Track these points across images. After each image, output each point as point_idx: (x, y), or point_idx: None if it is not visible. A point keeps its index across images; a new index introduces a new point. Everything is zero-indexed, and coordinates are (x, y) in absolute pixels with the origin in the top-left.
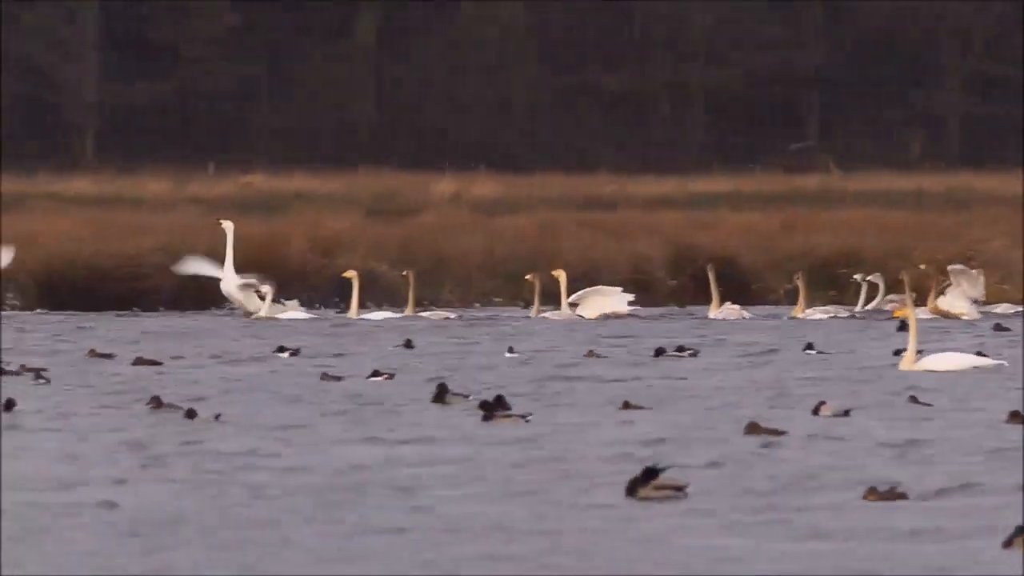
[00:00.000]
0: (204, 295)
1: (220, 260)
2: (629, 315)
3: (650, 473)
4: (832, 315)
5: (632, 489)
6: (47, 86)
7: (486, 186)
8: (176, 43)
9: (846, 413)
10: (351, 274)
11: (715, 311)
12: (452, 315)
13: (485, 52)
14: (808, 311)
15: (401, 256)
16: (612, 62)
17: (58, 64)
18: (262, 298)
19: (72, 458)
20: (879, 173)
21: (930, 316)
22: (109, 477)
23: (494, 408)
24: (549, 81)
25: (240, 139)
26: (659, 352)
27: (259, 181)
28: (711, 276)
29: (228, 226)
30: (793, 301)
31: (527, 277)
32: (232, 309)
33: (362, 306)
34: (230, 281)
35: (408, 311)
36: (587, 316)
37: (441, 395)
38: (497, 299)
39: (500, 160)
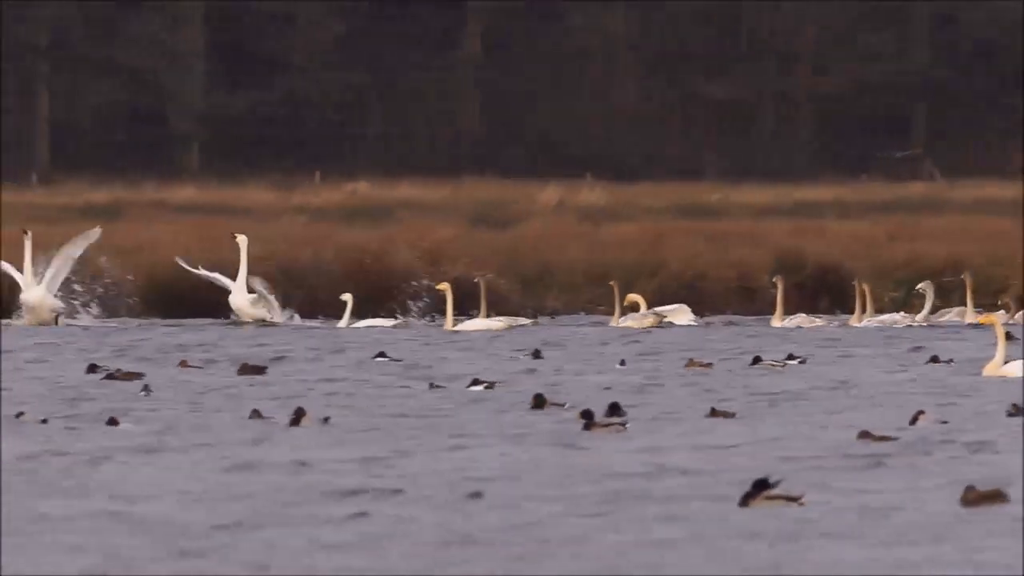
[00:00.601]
0: (309, 305)
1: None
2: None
3: (762, 484)
4: (891, 323)
5: (745, 500)
6: (153, 95)
7: (591, 194)
8: (281, 52)
9: (944, 422)
10: (444, 287)
11: (778, 321)
12: (526, 322)
13: (590, 61)
14: (867, 320)
15: (506, 265)
16: (718, 71)
17: (164, 73)
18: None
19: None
20: (983, 181)
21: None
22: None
23: (593, 416)
24: (654, 90)
25: (345, 148)
26: (756, 360)
27: (364, 190)
28: (779, 287)
29: (242, 240)
30: (901, 308)
31: (611, 283)
32: (236, 320)
33: (469, 315)
34: (240, 296)
35: (480, 317)
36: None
37: (540, 403)
38: (601, 307)
39: (605, 168)
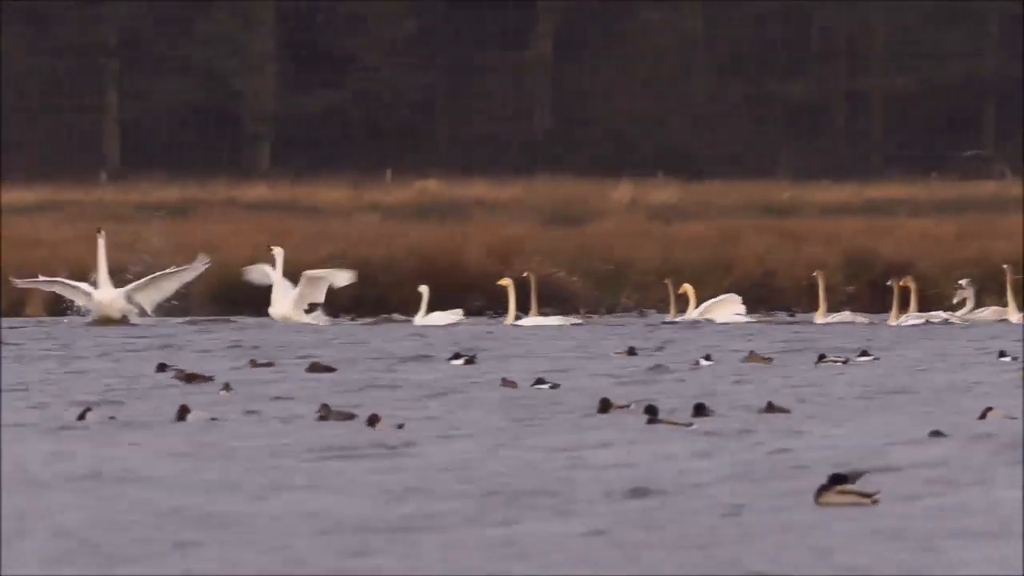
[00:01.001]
0: (381, 303)
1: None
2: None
3: (837, 479)
4: (926, 321)
5: (819, 494)
6: (224, 94)
7: (663, 192)
8: (353, 51)
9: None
10: (506, 282)
11: (820, 318)
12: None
13: (663, 60)
14: (903, 318)
15: (578, 262)
16: (791, 70)
17: (235, 73)
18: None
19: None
20: None
21: None
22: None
23: (657, 413)
24: (727, 88)
25: (417, 146)
26: (821, 358)
27: (436, 188)
28: (820, 283)
29: (278, 252)
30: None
31: (665, 280)
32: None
33: (540, 312)
34: (282, 307)
35: (533, 314)
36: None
37: (605, 406)
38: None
39: (677, 166)
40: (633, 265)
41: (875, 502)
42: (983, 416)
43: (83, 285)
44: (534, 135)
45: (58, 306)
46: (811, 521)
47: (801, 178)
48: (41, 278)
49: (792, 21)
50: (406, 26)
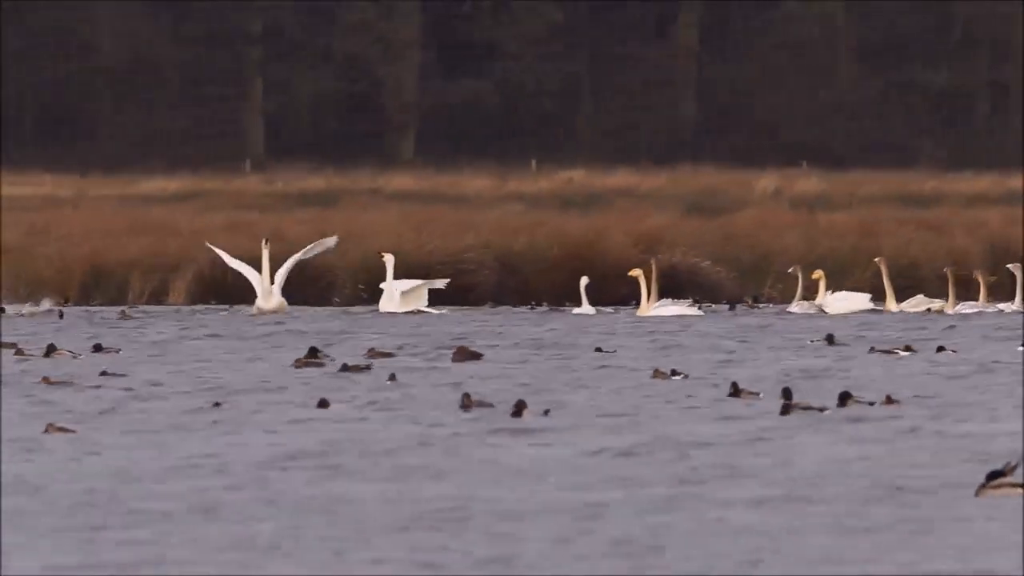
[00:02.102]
0: (523, 291)
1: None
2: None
3: (995, 474)
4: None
5: (979, 489)
6: (368, 84)
7: (807, 183)
8: (497, 40)
9: None
10: (636, 272)
11: (894, 306)
12: (698, 311)
13: (805, 50)
14: (959, 306)
15: (721, 252)
16: (933, 60)
17: (379, 62)
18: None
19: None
20: None
21: None
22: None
23: (791, 399)
24: (869, 78)
25: (560, 136)
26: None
27: (580, 178)
28: (883, 271)
29: (389, 259)
30: None
31: (790, 270)
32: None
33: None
34: (389, 304)
35: (647, 304)
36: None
37: (736, 391)
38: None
39: (821, 157)
40: (776, 255)
41: None
42: None
43: (257, 283)
44: (677, 125)
45: (196, 295)
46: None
47: (943, 168)
48: (227, 256)
49: (933, 11)
50: (550, 16)
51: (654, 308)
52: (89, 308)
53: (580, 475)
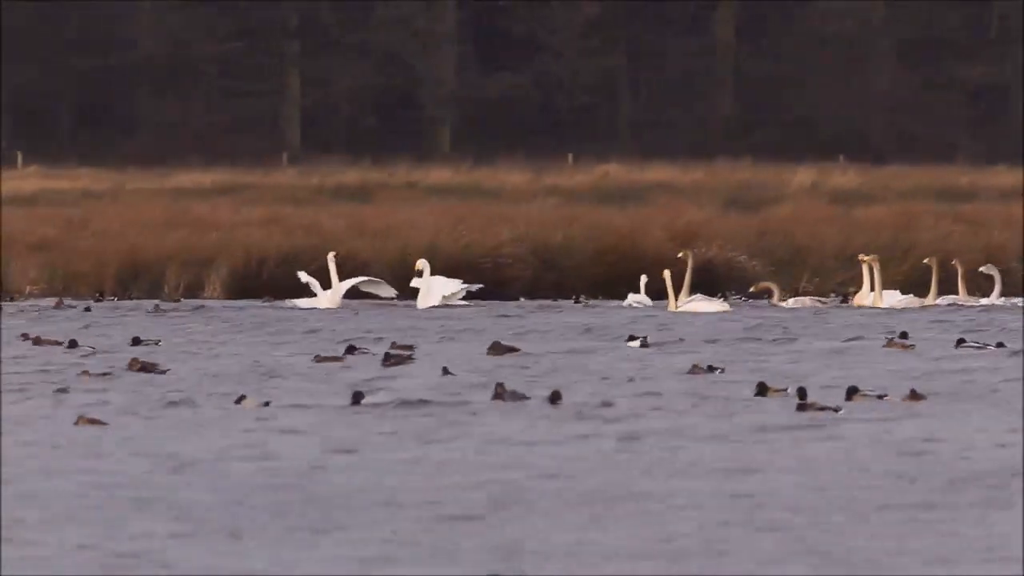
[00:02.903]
0: (560, 286)
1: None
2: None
3: None
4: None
5: None
6: (405, 77)
7: (844, 177)
8: (535, 34)
9: None
10: (666, 274)
11: (933, 299)
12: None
13: (843, 44)
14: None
15: (758, 247)
16: (970, 55)
17: (416, 55)
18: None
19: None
20: None
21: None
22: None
23: (807, 398)
24: (906, 73)
25: (597, 130)
26: (960, 342)
27: (616, 172)
28: (933, 267)
29: (423, 263)
30: None
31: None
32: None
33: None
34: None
35: (681, 299)
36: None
37: (763, 390)
38: (852, 289)
39: (858, 151)
40: (813, 250)
41: None
42: None
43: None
44: (715, 119)
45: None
46: None
47: (980, 162)
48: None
49: (970, 6)
50: (588, 10)
51: (684, 304)
52: (117, 303)
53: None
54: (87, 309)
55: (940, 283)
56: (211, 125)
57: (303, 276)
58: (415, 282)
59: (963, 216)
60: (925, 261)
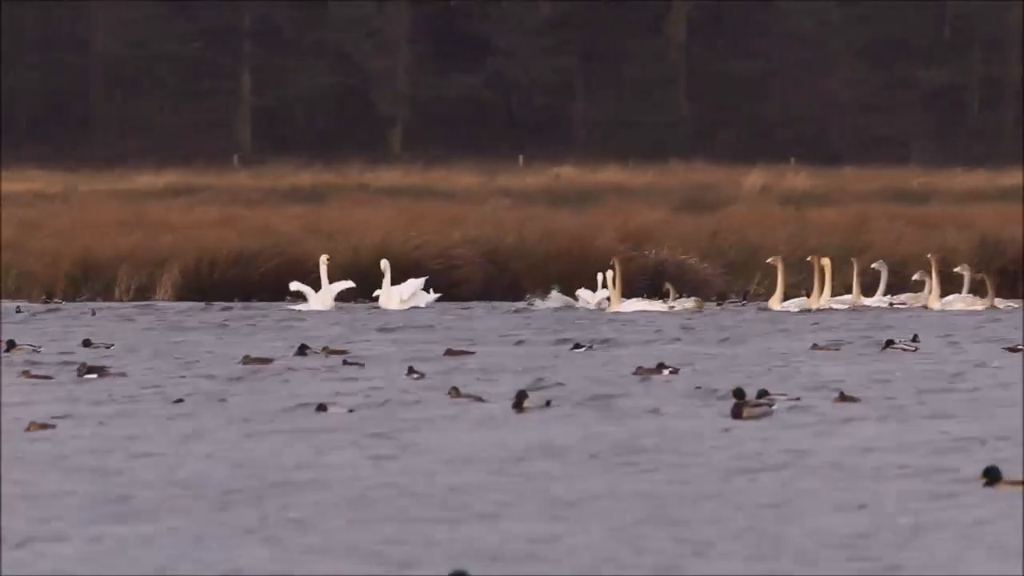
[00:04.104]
0: (512, 287)
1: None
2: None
3: (994, 471)
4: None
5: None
6: (358, 78)
7: (796, 179)
8: (489, 35)
9: None
10: (611, 271)
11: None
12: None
13: (799, 46)
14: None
15: (709, 249)
16: (927, 57)
17: (370, 56)
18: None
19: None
20: None
21: None
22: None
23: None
24: (863, 75)
25: (551, 132)
26: (888, 343)
27: (568, 173)
28: (884, 271)
29: (385, 266)
30: None
31: (769, 260)
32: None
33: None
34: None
35: (614, 298)
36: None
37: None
38: (803, 291)
39: (812, 153)
40: (765, 251)
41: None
42: None
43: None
44: (668, 121)
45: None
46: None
47: (934, 165)
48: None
49: (927, 8)
50: (542, 10)
51: (624, 304)
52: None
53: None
54: (18, 310)
55: (870, 286)
56: (165, 126)
57: (294, 285)
58: (378, 292)
59: (916, 219)
60: (874, 265)
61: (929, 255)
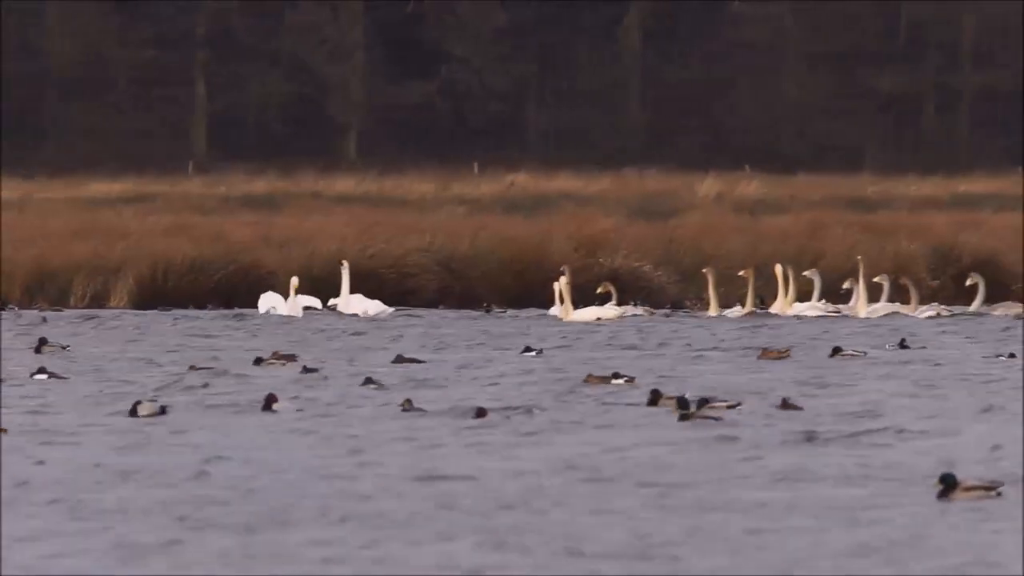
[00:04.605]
0: (467, 295)
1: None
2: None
3: (951, 478)
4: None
5: (944, 494)
6: (313, 85)
7: (749, 187)
8: (443, 43)
9: None
10: (562, 279)
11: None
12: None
13: (753, 53)
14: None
15: (664, 256)
16: (881, 64)
17: (325, 63)
18: None
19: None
20: None
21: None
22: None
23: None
24: (816, 82)
25: (506, 139)
26: (835, 351)
27: (522, 181)
28: (816, 280)
29: (345, 267)
30: None
31: (704, 270)
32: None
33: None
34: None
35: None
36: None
37: (655, 400)
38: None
39: (766, 160)
40: (719, 259)
41: (998, 494)
42: None
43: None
44: (623, 128)
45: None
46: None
47: (889, 172)
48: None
49: (882, 15)
50: (496, 18)
51: (575, 313)
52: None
53: None
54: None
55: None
56: (120, 133)
57: (265, 300)
58: (335, 301)
59: (871, 226)
60: (806, 273)
61: (858, 257)
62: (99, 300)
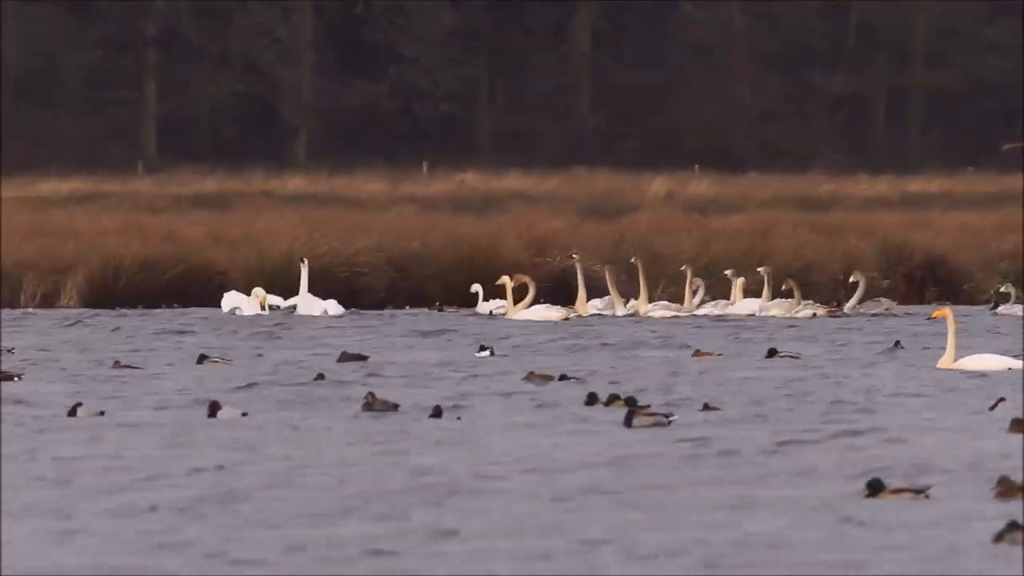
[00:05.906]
0: (416, 294)
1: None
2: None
3: (878, 482)
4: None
5: (873, 494)
6: (263, 86)
7: (698, 187)
8: (393, 43)
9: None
10: (503, 280)
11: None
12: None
13: (702, 54)
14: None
15: (613, 256)
16: (831, 64)
17: (275, 64)
18: None
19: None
20: None
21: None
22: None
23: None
24: (767, 82)
25: (455, 139)
26: (771, 353)
27: (472, 180)
28: (736, 280)
29: (304, 267)
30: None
31: (633, 260)
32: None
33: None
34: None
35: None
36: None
37: (593, 400)
38: (706, 298)
39: (717, 160)
40: (669, 258)
41: (927, 496)
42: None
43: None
44: (572, 129)
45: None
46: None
47: (839, 172)
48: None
49: (832, 15)
50: (446, 19)
51: (522, 312)
52: None
53: None
54: None
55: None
56: (70, 134)
57: (228, 299)
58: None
59: (821, 226)
60: (760, 270)
61: (760, 269)
62: (49, 299)
